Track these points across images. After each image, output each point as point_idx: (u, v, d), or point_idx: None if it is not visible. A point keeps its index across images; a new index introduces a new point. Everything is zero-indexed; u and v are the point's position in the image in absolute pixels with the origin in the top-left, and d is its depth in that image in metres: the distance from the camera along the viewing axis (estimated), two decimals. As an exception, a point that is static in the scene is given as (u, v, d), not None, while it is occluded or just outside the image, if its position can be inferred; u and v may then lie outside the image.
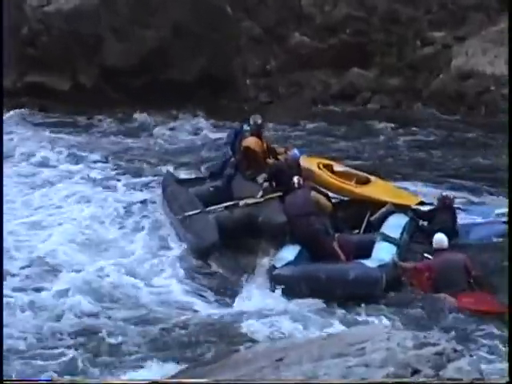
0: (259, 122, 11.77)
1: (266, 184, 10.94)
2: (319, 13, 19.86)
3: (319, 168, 11.76)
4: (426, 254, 9.92)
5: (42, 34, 18.82)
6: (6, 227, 10.11)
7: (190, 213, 10.68)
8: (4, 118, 15.80)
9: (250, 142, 11.47)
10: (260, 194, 10.77)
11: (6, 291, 8.79)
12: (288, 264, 9.57)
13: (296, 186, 10.40)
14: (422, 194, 12.10)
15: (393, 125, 17.28)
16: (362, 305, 8.98)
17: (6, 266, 9.45)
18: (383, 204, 10.94)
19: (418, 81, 18.95)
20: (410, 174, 13.88)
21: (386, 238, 10.08)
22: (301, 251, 9.85)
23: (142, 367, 7.57)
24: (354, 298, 9.09)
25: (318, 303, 9.00)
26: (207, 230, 10.21)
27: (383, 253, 9.79)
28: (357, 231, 10.78)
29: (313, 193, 10.39)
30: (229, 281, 9.68)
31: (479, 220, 10.89)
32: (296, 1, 19.93)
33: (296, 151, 11.52)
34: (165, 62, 19.01)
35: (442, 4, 19.20)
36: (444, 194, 11.11)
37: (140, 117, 17.96)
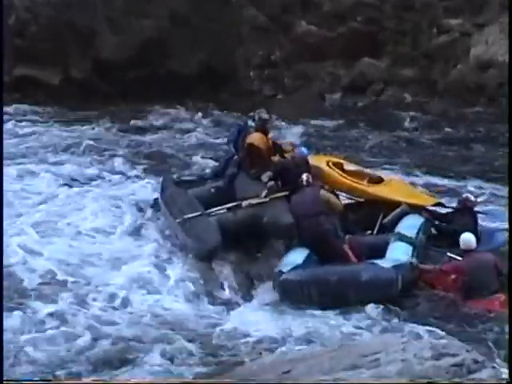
0: (265, 116, 11.77)
1: (271, 183, 10.90)
2: (327, -1, 19.89)
3: (328, 166, 11.75)
4: (449, 254, 9.87)
5: (30, 24, 18.88)
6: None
7: (190, 215, 10.68)
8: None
9: (255, 138, 11.46)
10: (264, 193, 10.74)
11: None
12: (296, 268, 9.56)
13: (304, 183, 10.40)
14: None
15: (414, 119, 17.28)
16: (377, 309, 8.97)
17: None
18: (397, 205, 10.91)
19: (433, 71, 18.97)
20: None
21: (402, 238, 10.07)
22: (309, 255, 9.83)
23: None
24: (367, 301, 9.08)
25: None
26: (208, 234, 10.21)
27: (398, 253, 9.77)
28: (369, 232, 10.78)
29: (322, 191, 10.38)
30: (231, 289, 9.69)
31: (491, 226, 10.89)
32: (302, -14, 19.97)
33: (303, 149, 11.53)
34: (162, 54, 19.08)
35: (459, -11, 19.23)
36: (465, 195, 11.08)
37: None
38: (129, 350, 8.09)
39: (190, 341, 8.37)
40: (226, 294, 9.62)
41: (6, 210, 10.42)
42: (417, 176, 14.00)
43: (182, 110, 18.66)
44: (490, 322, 8.69)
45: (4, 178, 11.65)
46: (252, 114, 12.28)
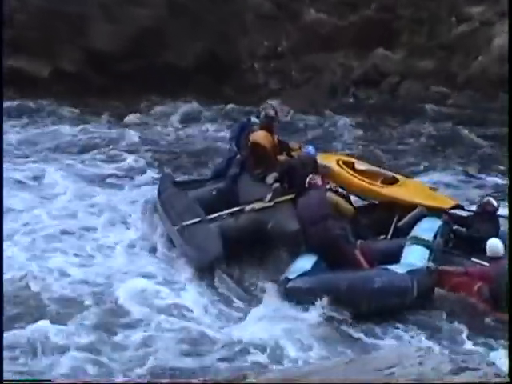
0: (271, 113, 11.77)
1: (276, 185, 10.92)
2: (338, -15, 19.90)
3: (339, 165, 11.76)
4: (474, 259, 9.84)
5: (17, 12, 18.91)
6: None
7: (189, 222, 10.67)
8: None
9: (259, 136, 11.47)
10: (269, 196, 10.76)
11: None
12: (303, 274, 9.55)
13: (312, 185, 10.38)
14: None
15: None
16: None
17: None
18: (413, 207, 10.93)
19: (452, 63, 18.94)
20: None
21: (417, 241, 10.08)
22: (317, 262, 9.83)
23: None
24: (381, 309, 9.09)
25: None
26: (209, 242, 10.19)
27: (414, 257, 9.78)
28: (383, 237, 10.79)
29: (329, 193, 10.37)
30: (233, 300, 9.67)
31: None
32: (311, -29, 19.97)
33: (310, 147, 11.54)
34: (160, 44, 19.08)
35: (480, -26, 19.22)
36: (486, 199, 11.05)
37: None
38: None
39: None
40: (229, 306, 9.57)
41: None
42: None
43: (181, 104, 18.67)
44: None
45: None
46: (259, 109, 12.33)
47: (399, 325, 9.04)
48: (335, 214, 10.08)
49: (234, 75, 19.41)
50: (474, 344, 8.69)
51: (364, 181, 11.53)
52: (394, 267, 9.47)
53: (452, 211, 11.14)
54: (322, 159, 11.74)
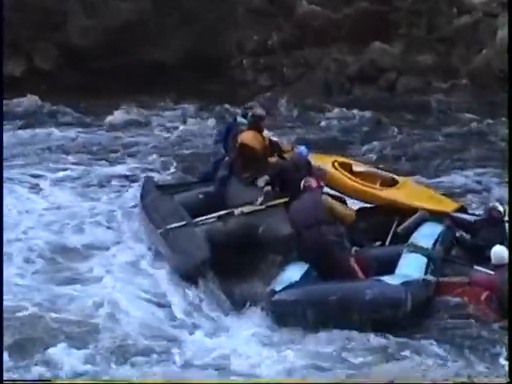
0: (259, 112, 11.77)
1: (267, 188, 10.90)
2: (332, -25, 19.92)
3: (334, 167, 11.76)
4: (477, 267, 9.80)
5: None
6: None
7: (174, 225, 10.65)
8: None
9: (248, 137, 11.47)
10: (260, 200, 10.73)
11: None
12: (291, 286, 9.50)
13: (307, 188, 10.35)
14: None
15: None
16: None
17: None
18: (414, 211, 10.90)
19: (454, 57, 18.98)
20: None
21: (415, 249, 10.04)
22: (308, 271, 9.79)
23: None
24: (373, 323, 9.03)
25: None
26: (195, 246, 10.16)
27: (410, 267, 9.74)
28: (379, 243, 10.76)
29: (324, 196, 10.36)
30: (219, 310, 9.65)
31: None
32: (303, -40, 19.98)
33: (303, 148, 11.51)
34: (143, 40, 19.10)
35: (482, -38, 19.25)
36: (492, 204, 11.03)
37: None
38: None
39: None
40: (213, 316, 9.55)
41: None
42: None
43: (166, 103, 18.63)
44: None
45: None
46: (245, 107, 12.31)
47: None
48: (330, 219, 10.04)
49: (222, 72, 19.41)
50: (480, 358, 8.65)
51: (361, 183, 11.55)
52: (387, 278, 9.42)
53: (456, 214, 11.12)
54: (317, 161, 11.71)
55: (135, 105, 18.48)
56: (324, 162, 11.91)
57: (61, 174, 14.57)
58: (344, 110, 18.12)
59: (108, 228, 12.12)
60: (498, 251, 9.63)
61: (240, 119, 12.07)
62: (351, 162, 12.38)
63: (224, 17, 19.76)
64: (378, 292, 9.18)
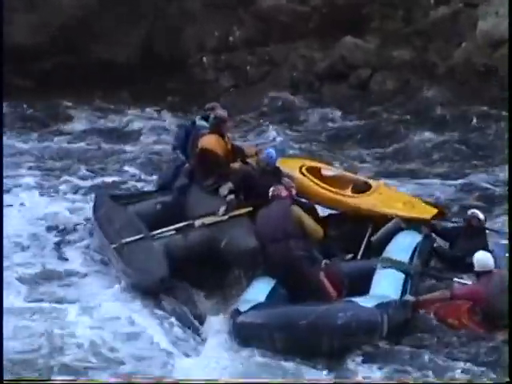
0: (221, 113, 11.86)
1: (231, 197, 10.96)
2: (297, -36, 20.02)
3: (301, 173, 11.79)
4: (457, 280, 9.93)
5: None
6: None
7: (130, 239, 10.71)
8: None
9: (209, 141, 11.52)
10: (223, 210, 10.80)
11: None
12: (257, 307, 9.45)
13: (275, 196, 10.36)
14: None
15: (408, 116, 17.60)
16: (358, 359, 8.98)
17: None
18: (389, 218, 11.02)
19: (431, 52, 19.12)
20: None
21: (391, 264, 10.04)
22: (274, 288, 9.79)
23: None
24: (345, 349, 9.05)
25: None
26: (152, 262, 10.20)
27: (386, 286, 9.71)
28: (351, 256, 10.80)
29: (294, 207, 10.31)
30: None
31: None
32: None
33: (271, 150, 11.60)
34: (90, 37, 19.06)
35: None
36: (471, 211, 11.15)
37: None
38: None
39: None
40: (173, 338, 9.55)
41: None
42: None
43: (116, 106, 18.69)
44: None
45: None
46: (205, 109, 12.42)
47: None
48: (299, 233, 10.04)
49: (178, 71, 19.44)
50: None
51: (330, 190, 11.55)
52: (361, 300, 9.36)
53: (435, 222, 11.25)
54: (284, 165, 11.76)
55: (81, 108, 18.53)
56: (291, 166, 11.90)
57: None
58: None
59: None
60: (481, 257, 9.66)
61: (200, 122, 12.14)
62: (320, 165, 12.41)
63: (180, 11, 19.81)
64: (350, 315, 9.09)
